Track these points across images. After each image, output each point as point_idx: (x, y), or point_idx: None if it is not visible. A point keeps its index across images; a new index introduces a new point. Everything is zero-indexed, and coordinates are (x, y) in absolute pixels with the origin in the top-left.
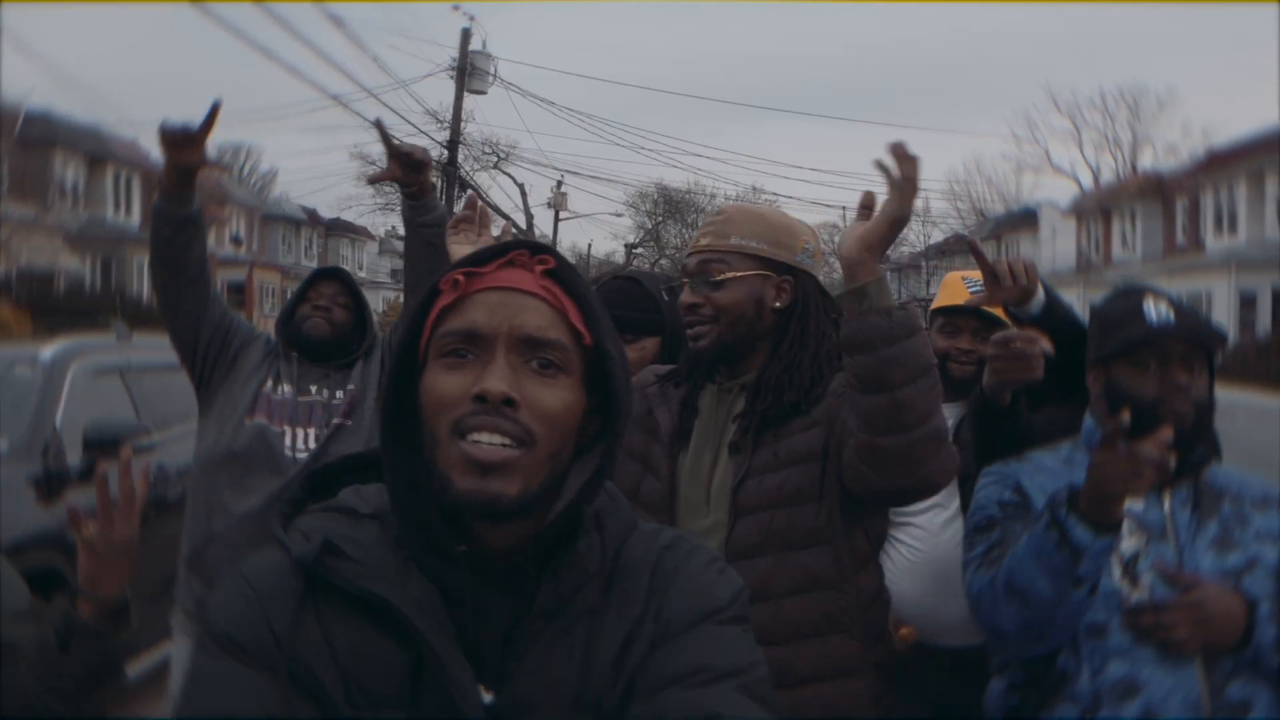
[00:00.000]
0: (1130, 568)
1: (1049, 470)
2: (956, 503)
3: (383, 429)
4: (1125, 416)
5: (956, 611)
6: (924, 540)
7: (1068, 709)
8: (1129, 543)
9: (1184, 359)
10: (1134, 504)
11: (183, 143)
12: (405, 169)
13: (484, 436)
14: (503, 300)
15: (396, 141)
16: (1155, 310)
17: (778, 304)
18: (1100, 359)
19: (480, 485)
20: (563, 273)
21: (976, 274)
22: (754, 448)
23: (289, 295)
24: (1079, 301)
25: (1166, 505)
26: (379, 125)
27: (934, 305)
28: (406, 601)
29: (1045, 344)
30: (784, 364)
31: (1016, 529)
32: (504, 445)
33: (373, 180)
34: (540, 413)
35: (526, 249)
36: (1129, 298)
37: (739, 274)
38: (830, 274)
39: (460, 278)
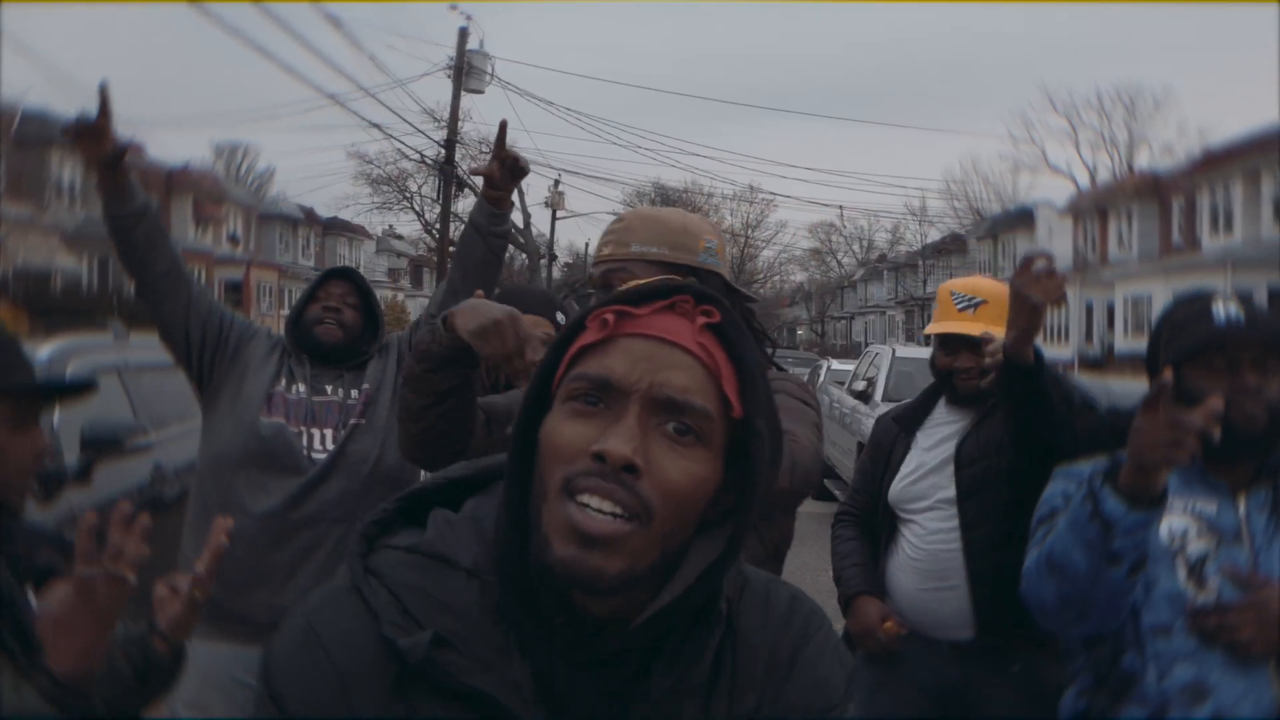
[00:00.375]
0: (1197, 570)
1: None
2: (955, 508)
3: (509, 473)
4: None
5: (950, 607)
6: (922, 538)
7: (1136, 710)
8: (1196, 545)
9: (1255, 361)
10: (1206, 507)
11: (86, 135)
12: (505, 174)
13: (594, 501)
14: (650, 351)
15: (510, 146)
16: (1224, 311)
17: None
18: (1167, 363)
19: (579, 557)
20: (727, 329)
21: (964, 286)
22: None
23: (296, 295)
24: (1075, 300)
25: (1242, 508)
26: (503, 126)
27: (928, 329)
28: (509, 691)
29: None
30: None
31: None
32: (614, 516)
33: (475, 173)
34: (664, 485)
35: (692, 295)
36: (1198, 300)
37: (641, 282)
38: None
39: (610, 316)
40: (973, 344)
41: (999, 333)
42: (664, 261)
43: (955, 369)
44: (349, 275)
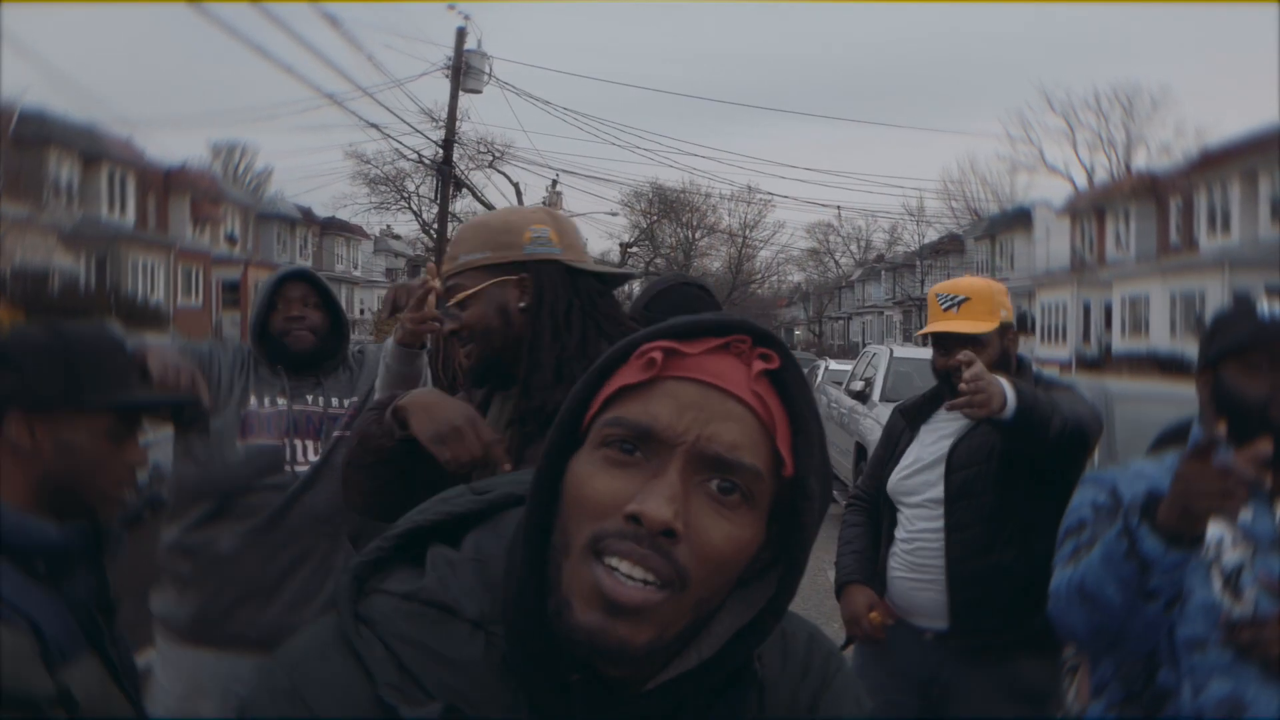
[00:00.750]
0: (1233, 580)
1: (1148, 477)
2: (942, 509)
3: (528, 519)
4: (1221, 428)
5: (928, 598)
6: (910, 532)
7: None
8: (1232, 554)
9: None
10: (1241, 514)
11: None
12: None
13: (624, 566)
14: (699, 399)
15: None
16: (1269, 308)
17: (522, 304)
18: (1209, 361)
19: (603, 625)
20: (786, 377)
21: (950, 288)
22: (520, 451)
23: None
24: (1073, 300)
25: (1279, 514)
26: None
27: (920, 332)
28: None
29: (979, 372)
30: (534, 360)
31: (1105, 529)
32: (646, 583)
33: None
34: (703, 550)
35: (749, 335)
36: (1244, 299)
37: (473, 289)
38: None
39: (657, 355)
40: (964, 342)
41: (985, 327)
42: (489, 264)
43: (950, 368)
44: (304, 276)
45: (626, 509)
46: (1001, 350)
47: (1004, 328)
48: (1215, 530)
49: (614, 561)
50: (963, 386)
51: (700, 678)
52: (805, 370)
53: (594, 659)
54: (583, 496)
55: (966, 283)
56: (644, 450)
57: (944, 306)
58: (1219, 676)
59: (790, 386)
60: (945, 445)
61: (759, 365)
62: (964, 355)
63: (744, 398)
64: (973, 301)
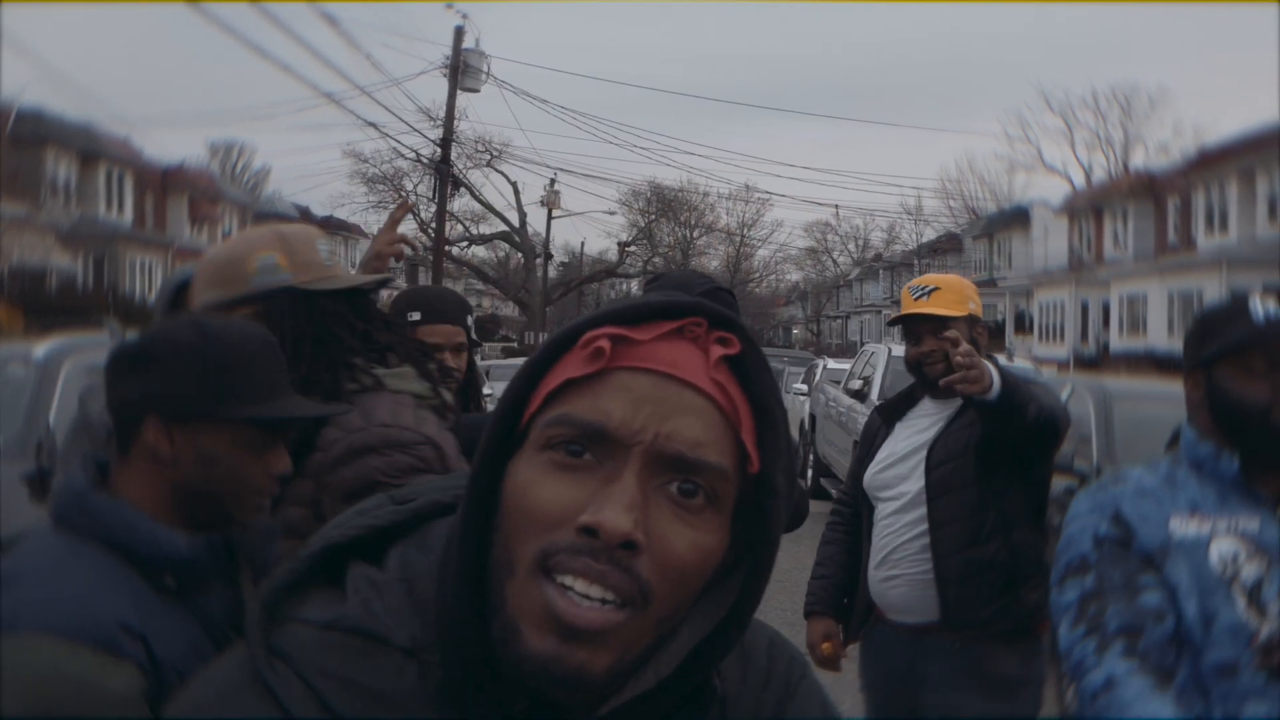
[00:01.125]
0: (1255, 596)
1: (1151, 494)
2: (913, 504)
3: (462, 533)
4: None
5: (900, 594)
6: (881, 528)
7: None
8: (1249, 568)
9: None
10: (1248, 524)
11: None
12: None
13: (580, 585)
14: (656, 392)
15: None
16: (1263, 309)
17: None
18: (1201, 362)
19: (559, 652)
20: (747, 362)
21: (920, 280)
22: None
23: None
24: (1071, 299)
25: None
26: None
27: (890, 320)
28: None
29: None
30: None
31: (1114, 576)
32: (605, 602)
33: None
34: (666, 562)
35: (705, 316)
36: (1236, 299)
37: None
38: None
39: (605, 344)
40: (932, 328)
41: (955, 312)
42: (220, 303)
43: (922, 357)
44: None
45: (579, 520)
46: (970, 340)
47: (972, 319)
48: (1229, 545)
49: (568, 580)
50: (957, 360)
51: (658, 699)
52: (804, 369)
53: (548, 688)
54: (527, 506)
55: (937, 277)
56: (595, 452)
57: (915, 296)
58: (1253, 701)
59: (752, 373)
60: (919, 439)
61: (718, 351)
62: (950, 334)
63: (704, 388)
64: (942, 290)
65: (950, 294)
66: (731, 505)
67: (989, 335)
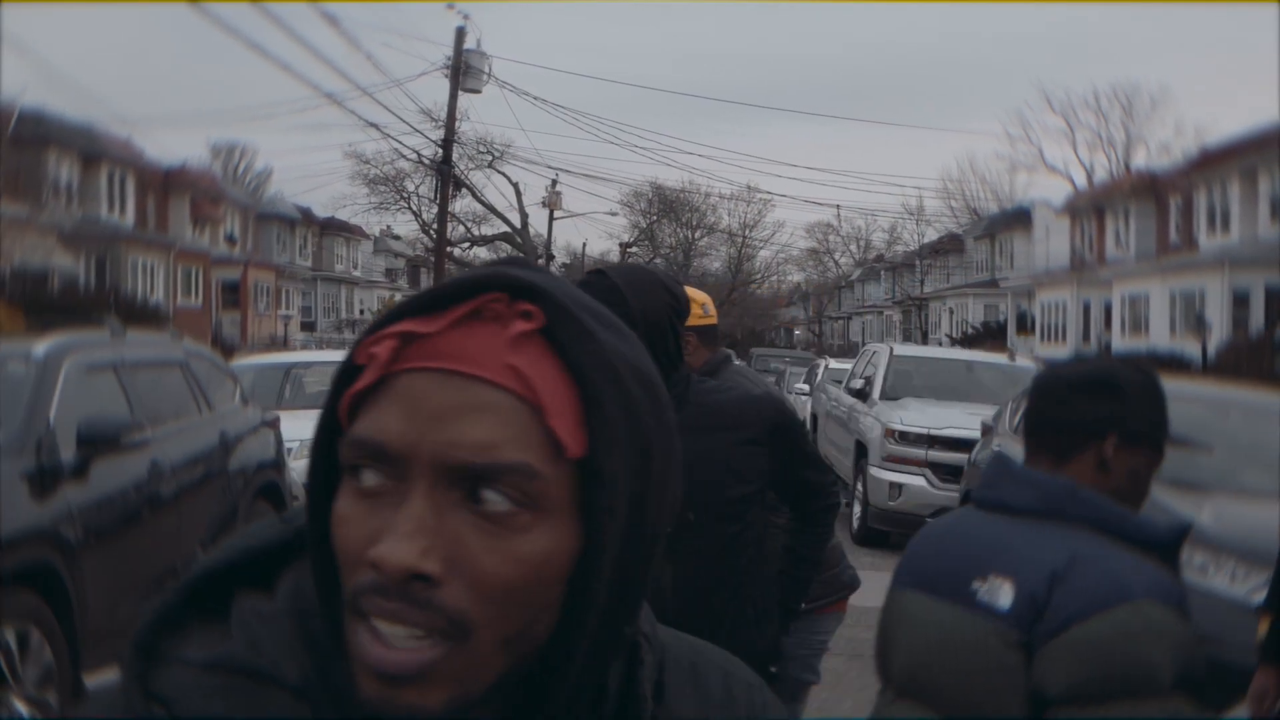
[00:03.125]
0: None
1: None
2: None
3: (315, 575)
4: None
5: None
6: None
7: None
8: None
9: None
10: None
11: None
12: None
13: (384, 626)
14: (436, 394)
15: None
16: None
17: None
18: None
19: (386, 695)
20: (559, 332)
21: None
22: None
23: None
24: (1072, 299)
25: None
26: None
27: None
28: None
29: None
30: None
31: None
32: (415, 639)
33: None
34: (480, 585)
35: (504, 289)
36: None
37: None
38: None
39: (378, 349)
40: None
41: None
42: None
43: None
44: None
45: (367, 555)
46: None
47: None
48: None
49: (376, 622)
50: None
51: (569, 708)
52: (805, 369)
53: None
54: (337, 543)
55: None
56: (385, 473)
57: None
58: None
59: (568, 345)
60: None
61: (517, 328)
62: None
63: (493, 378)
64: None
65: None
66: (569, 498)
67: (699, 339)
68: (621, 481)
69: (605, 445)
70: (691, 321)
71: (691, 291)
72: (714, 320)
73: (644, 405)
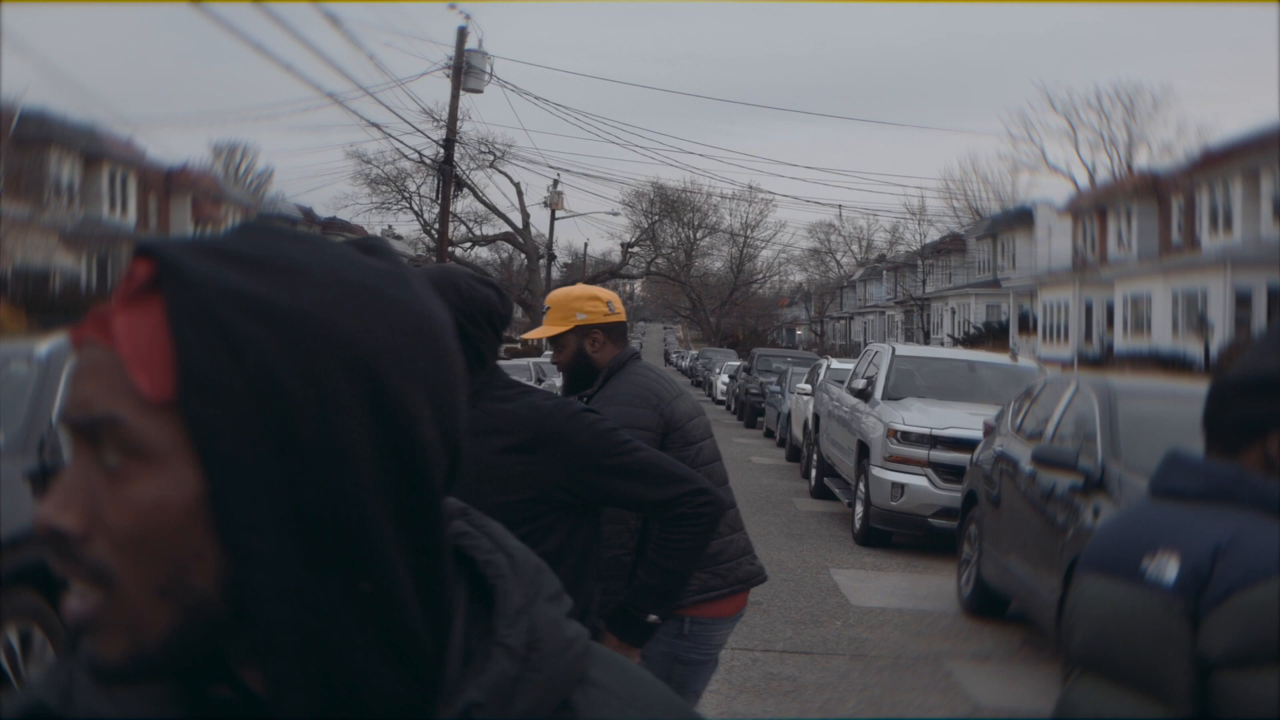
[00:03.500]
0: None
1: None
2: None
3: None
4: None
5: None
6: None
7: None
8: None
9: None
10: None
11: None
12: None
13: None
14: (79, 361)
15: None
16: None
17: None
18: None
19: (89, 650)
20: (164, 282)
21: (549, 298)
22: None
23: None
24: (1074, 300)
25: None
26: None
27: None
28: None
29: None
30: None
31: None
32: (80, 593)
33: None
34: (113, 534)
35: (148, 255)
36: None
37: None
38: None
39: (79, 328)
40: (556, 347)
41: (560, 328)
42: None
43: (559, 363)
44: None
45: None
46: (579, 349)
47: (583, 329)
48: None
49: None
50: None
51: (301, 668)
52: (807, 369)
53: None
54: None
55: (553, 294)
56: None
57: (544, 312)
58: None
59: (166, 293)
60: None
61: (124, 287)
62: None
63: (93, 336)
64: (551, 309)
65: (556, 311)
66: (183, 443)
67: (606, 336)
68: (223, 421)
69: (191, 387)
70: (598, 319)
71: (598, 290)
72: (621, 318)
73: (265, 343)
